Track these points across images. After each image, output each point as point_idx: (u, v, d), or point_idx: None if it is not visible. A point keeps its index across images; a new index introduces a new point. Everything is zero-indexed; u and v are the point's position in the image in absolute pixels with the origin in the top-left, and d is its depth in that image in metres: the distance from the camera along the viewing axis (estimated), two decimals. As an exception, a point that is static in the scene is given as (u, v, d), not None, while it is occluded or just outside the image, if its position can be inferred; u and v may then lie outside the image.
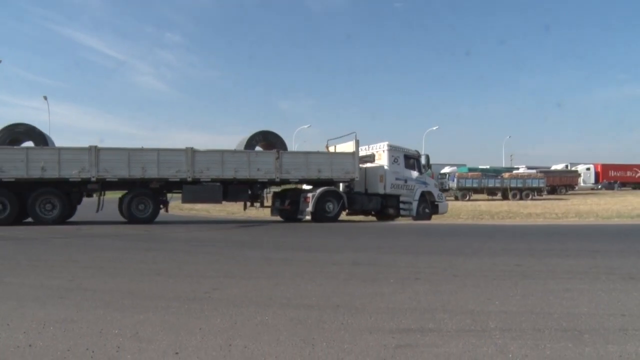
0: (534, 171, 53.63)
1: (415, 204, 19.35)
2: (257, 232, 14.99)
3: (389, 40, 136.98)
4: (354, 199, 18.76)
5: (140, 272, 7.10)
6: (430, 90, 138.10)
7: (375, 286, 5.98)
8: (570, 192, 55.12)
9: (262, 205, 19.37)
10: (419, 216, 19.40)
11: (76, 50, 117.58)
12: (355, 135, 19.14)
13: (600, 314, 4.54)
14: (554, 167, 64.03)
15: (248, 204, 18.93)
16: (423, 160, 20.00)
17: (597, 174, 63.88)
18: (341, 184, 19.26)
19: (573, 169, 62.17)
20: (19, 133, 17.10)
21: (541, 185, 47.18)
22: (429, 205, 19.94)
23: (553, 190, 52.75)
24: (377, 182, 19.05)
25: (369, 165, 19.69)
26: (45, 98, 50.18)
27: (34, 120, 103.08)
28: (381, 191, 18.96)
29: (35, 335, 3.84)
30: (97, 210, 17.32)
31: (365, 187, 19.43)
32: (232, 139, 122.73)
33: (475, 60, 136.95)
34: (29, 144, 17.26)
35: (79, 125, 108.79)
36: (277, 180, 18.43)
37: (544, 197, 47.19)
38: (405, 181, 19.37)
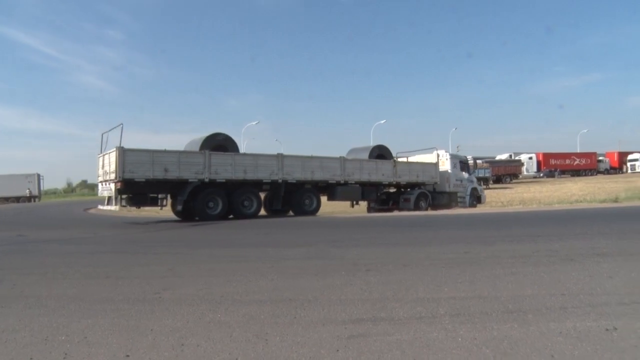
0: (480, 162, 55.27)
1: (467, 198, 24.86)
2: (209, 230, 14.79)
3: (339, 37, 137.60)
4: (434, 197, 23.91)
5: (87, 276, 6.83)
6: (375, 85, 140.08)
7: (327, 279, 6.01)
8: (514, 180, 57.31)
9: (377, 203, 23.65)
10: (470, 207, 24.20)
11: (11, 49, 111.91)
12: (436, 149, 24.91)
13: (543, 295, 4.76)
14: (498, 157, 66.21)
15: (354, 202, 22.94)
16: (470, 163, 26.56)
17: (539, 163, 66.78)
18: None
19: (516, 158, 64.56)
20: (219, 141, 19.29)
21: (487, 175, 48.85)
22: (476, 198, 25.42)
23: (498, 179, 54.73)
24: (444, 183, 24.33)
25: None
26: (-20, 99, 47.84)
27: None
28: (447, 189, 24.31)
29: (-26, 347, 3.63)
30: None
31: (434, 187, 24.21)
32: (177, 137, 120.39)
33: (412, 54, 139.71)
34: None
35: (17, 127, 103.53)
36: (394, 183, 23.03)
37: (490, 186, 48.74)
38: (461, 181, 24.97)
